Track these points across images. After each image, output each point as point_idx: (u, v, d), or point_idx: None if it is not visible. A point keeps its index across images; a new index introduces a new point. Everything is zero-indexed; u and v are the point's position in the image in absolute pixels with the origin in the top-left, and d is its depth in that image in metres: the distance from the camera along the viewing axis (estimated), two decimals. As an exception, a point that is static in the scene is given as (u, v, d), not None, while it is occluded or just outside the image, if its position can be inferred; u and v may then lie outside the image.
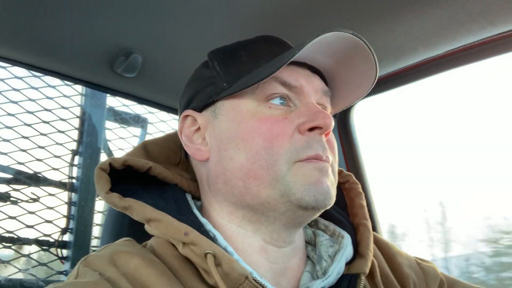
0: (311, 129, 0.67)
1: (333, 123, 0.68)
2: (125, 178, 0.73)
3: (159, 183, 0.75)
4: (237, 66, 0.73)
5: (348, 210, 0.83)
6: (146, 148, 0.79)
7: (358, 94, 0.77)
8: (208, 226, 0.67)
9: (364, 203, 0.82)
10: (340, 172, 0.84)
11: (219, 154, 0.71)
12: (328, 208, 0.68)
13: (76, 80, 1.22)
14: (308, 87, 0.71)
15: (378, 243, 0.82)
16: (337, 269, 0.69)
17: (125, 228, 0.82)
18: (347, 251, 0.72)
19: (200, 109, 0.75)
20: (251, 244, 0.69)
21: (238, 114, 0.70)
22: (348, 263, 0.72)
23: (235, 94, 0.70)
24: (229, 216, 0.71)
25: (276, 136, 0.66)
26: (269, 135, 0.66)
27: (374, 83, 0.74)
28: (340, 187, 0.85)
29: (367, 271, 0.70)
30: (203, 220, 0.68)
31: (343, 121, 1.42)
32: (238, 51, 0.76)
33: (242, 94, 0.70)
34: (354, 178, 0.85)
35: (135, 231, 0.75)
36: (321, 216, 0.77)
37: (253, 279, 0.60)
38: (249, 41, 0.79)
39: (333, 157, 0.70)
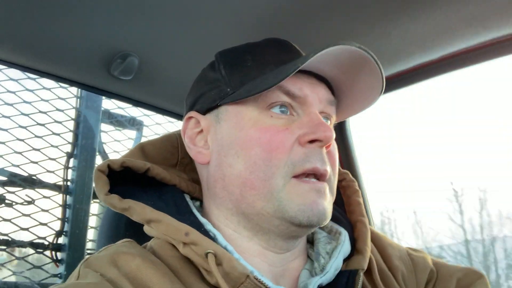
0: (312, 141, 0.67)
1: (333, 136, 0.67)
2: (123, 179, 0.73)
3: (157, 184, 0.75)
4: (241, 72, 0.73)
5: (345, 207, 0.83)
6: (143, 150, 0.79)
7: (364, 105, 0.77)
8: (208, 226, 0.67)
9: (361, 200, 0.82)
10: None
11: (219, 159, 0.70)
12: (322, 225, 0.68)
13: (72, 82, 1.22)
14: (312, 97, 0.70)
15: (371, 235, 0.82)
16: (334, 266, 0.69)
17: (122, 230, 0.81)
18: (345, 247, 0.72)
19: (204, 112, 0.75)
20: (249, 248, 0.69)
21: (240, 121, 0.69)
22: (346, 260, 0.72)
23: (238, 100, 0.70)
24: (225, 220, 0.71)
25: (275, 148, 0.66)
26: (268, 146, 0.66)
27: (380, 95, 0.73)
28: (337, 185, 0.86)
29: (365, 267, 0.71)
30: (203, 220, 0.68)
31: (338, 122, 1.43)
32: (244, 55, 0.75)
33: (245, 100, 0.69)
34: (350, 176, 0.86)
35: (132, 233, 0.75)
36: None
37: (254, 278, 0.60)
38: (257, 44, 0.78)
39: (332, 170, 0.70)
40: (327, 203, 0.67)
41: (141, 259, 0.60)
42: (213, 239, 0.65)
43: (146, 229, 0.69)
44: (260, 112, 0.69)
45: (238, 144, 0.68)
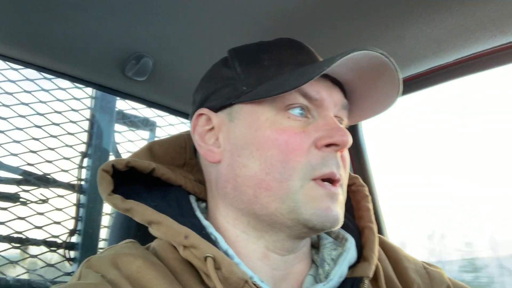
0: (328, 145, 0.66)
1: (350, 141, 0.67)
2: (130, 179, 0.73)
3: (163, 184, 0.74)
4: (258, 70, 0.71)
5: (354, 213, 0.82)
6: (151, 149, 0.79)
7: (377, 111, 0.77)
8: (210, 229, 0.67)
9: (371, 206, 0.80)
10: None
11: (232, 159, 0.69)
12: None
13: (87, 82, 1.23)
14: (329, 100, 0.70)
15: (385, 246, 0.81)
16: (339, 273, 0.68)
17: (133, 230, 0.82)
18: (350, 254, 0.71)
19: (216, 109, 0.73)
20: (254, 250, 0.69)
21: (255, 121, 0.68)
22: (352, 267, 0.71)
23: (255, 100, 0.68)
24: (234, 221, 0.70)
25: (292, 150, 0.65)
26: (285, 148, 0.65)
27: (395, 103, 0.73)
28: (346, 189, 0.84)
29: (371, 274, 0.69)
30: (205, 222, 0.68)
31: (351, 125, 1.42)
32: (260, 54, 0.74)
33: (261, 100, 0.68)
34: (360, 180, 0.84)
35: (143, 233, 0.75)
36: None
37: (253, 283, 0.60)
38: (272, 43, 0.76)
39: (345, 174, 0.70)
40: (340, 208, 0.67)
41: (142, 260, 0.61)
42: (214, 242, 0.65)
43: (150, 229, 0.69)
44: (277, 113, 0.68)
45: (253, 144, 0.67)
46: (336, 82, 0.72)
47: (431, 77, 1.18)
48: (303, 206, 0.64)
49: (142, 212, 0.66)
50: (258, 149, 0.66)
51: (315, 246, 0.77)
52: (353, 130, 1.42)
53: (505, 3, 0.89)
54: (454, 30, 0.99)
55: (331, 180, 0.67)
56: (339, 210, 0.66)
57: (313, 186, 0.65)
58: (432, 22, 0.97)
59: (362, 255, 0.73)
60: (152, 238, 0.70)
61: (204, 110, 0.75)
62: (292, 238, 0.68)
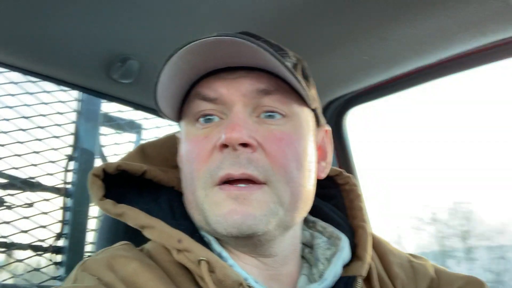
0: (225, 146, 0.61)
1: (238, 136, 0.59)
2: (122, 182, 0.73)
3: (155, 186, 0.74)
4: None
5: (347, 212, 0.81)
6: (143, 151, 0.79)
7: (289, 78, 0.64)
8: (203, 232, 0.67)
9: (363, 205, 0.80)
10: (339, 174, 0.83)
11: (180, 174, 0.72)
12: (258, 234, 0.61)
13: (72, 85, 1.23)
14: (230, 94, 0.64)
15: (372, 240, 0.80)
16: (333, 272, 0.67)
17: (121, 233, 0.81)
18: (344, 253, 0.70)
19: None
20: (231, 251, 0.67)
21: (182, 136, 0.71)
22: (346, 266, 0.70)
23: (182, 115, 0.71)
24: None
25: (194, 159, 0.64)
26: (190, 159, 0.65)
27: (287, 70, 0.61)
28: (339, 189, 0.83)
29: (364, 273, 0.69)
30: (198, 225, 0.68)
31: (336, 126, 1.44)
32: None
33: (183, 115, 0.70)
34: (353, 179, 0.83)
35: (131, 236, 0.75)
36: (319, 217, 0.77)
37: (248, 286, 0.60)
38: None
39: (272, 171, 0.62)
40: (255, 208, 0.60)
41: (137, 262, 0.61)
42: (207, 245, 0.65)
43: (144, 233, 0.69)
44: (192, 125, 0.68)
45: (180, 160, 0.71)
46: (256, 68, 0.65)
47: (415, 78, 1.20)
48: (209, 216, 0.62)
49: (134, 217, 0.67)
50: (181, 164, 0.70)
51: (309, 245, 0.77)
52: (337, 128, 1.43)
53: (484, 5, 0.91)
54: (436, 32, 1.00)
55: (244, 181, 0.61)
56: (250, 211, 0.59)
57: (215, 192, 0.62)
58: (414, 24, 0.98)
59: (355, 254, 0.73)
60: (140, 240, 0.70)
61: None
62: (245, 243, 0.65)
